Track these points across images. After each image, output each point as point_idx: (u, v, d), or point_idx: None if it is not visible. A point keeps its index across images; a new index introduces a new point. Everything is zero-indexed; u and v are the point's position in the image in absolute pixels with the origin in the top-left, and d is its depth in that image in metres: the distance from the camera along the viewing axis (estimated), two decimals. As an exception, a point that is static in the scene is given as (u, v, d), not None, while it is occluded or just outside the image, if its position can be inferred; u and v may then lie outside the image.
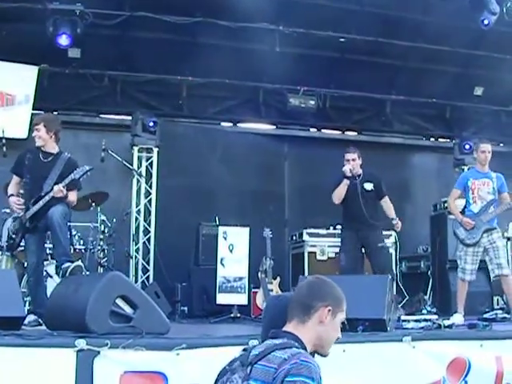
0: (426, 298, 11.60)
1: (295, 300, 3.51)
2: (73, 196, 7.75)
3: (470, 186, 9.01)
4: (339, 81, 13.68)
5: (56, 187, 7.46)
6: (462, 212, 9.16)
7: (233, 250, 10.69)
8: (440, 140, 15.73)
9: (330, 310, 3.43)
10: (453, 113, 15.00)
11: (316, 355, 3.48)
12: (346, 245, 9.68)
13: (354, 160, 9.62)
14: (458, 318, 8.49)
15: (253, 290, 10.90)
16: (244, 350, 3.40)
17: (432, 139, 15.69)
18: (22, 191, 8.00)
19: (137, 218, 12.63)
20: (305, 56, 12.76)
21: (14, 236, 7.76)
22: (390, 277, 7.30)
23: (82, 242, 10.34)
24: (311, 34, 12.00)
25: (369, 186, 9.64)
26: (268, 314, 3.79)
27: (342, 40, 12.41)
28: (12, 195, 7.85)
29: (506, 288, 8.86)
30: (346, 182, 9.48)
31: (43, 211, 7.51)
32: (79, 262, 7.71)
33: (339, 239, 10.67)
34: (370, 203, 9.50)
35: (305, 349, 3.32)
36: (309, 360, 3.11)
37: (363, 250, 9.61)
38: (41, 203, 7.49)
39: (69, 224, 8.14)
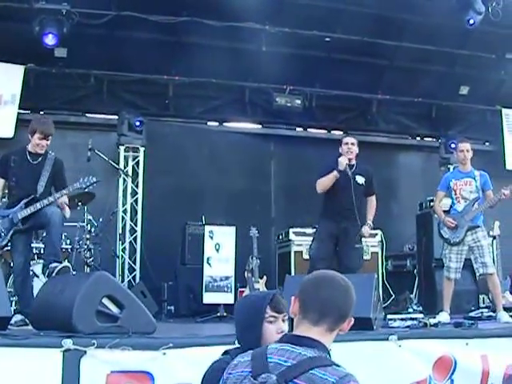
0: (412, 296, 11.66)
1: (330, 303, 3.02)
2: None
3: (452, 186, 9.08)
4: (325, 80, 13.70)
5: (61, 195, 7.53)
6: (448, 212, 9.19)
7: (219, 249, 10.71)
8: (426, 139, 15.79)
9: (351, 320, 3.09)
10: (438, 112, 15.05)
11: None
12: (322, 234, 9.08)
13: (353, 144, 9.15)
14: (443, 317, 8.53)
15: (239, 290, 10.90)
16: (225, 352, 3.14)
17: (418, 138, 15.74)
18: (6, 190, 7.98)
19: (123, 218, 12.62)
20: (291, 55, 12.78)
21: (2, 235, 7.72)
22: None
23: (68, 241, 10.30)
24: (297, 34, 12.04)
25: (360, 180, 9.15)
26: (239, 315, 3.68)
27: (328, 39, 12.45)
28: None
29: (492, 286, 8.90)
30: (335, 174, 8.89)
31: (34, 213, 7.51)
32: (67, 263, 7.71)
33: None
34: (358, 197, 8.95)
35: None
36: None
37: (337, 245, 9.08)
38: (38, 206, 7.47)
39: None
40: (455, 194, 9.06)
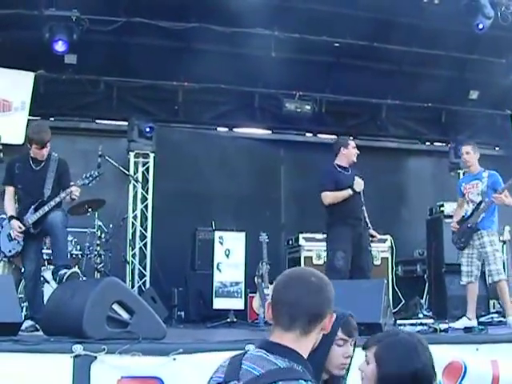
0: (422, 301, 11.63)
1: (297, 306, 2.84)
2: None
3: (462, 190, 9.12)
4: (335, 85, 13.69)
5: (74, 188, 7.51)
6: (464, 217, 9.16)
7: (229, 254, 10.73)
8: (435, 144, 15.76)
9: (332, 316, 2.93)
10: (448, 117, 15.02)
11: None
12: (343, 243, 8.84)
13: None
14: (461, 322, 8.52)
15: (249, 295, 10.93)
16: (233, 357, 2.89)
17: (427, 143, 15.72)
18: (16, 197, 8.00)
19: (133, 224, 12.63)
20: (300, 61, 12.80)
21: (18, 242, 7.73)
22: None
23: (78, 247, 10.35)
24: (307, 39, 12.03)
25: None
26: None
27: (337, 45, 12.45)
28: (13, 217, 7.73)
29: (500, 293, 8.91)
30: (349, 192, 8.89)
31: (43, 217, 7.54)
32: (76, 269, 7.74)
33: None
34: (362, 202, 9.01)
35: (308, 369, 2.77)
36: None
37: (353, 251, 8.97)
38: (46, 208, 7.50)
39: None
40: (466, 198, 9.08)
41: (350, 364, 3.61)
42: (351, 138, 13.01)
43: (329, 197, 8.95)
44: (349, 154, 9.17)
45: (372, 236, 9.30)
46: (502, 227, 11.36)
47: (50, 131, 7.82)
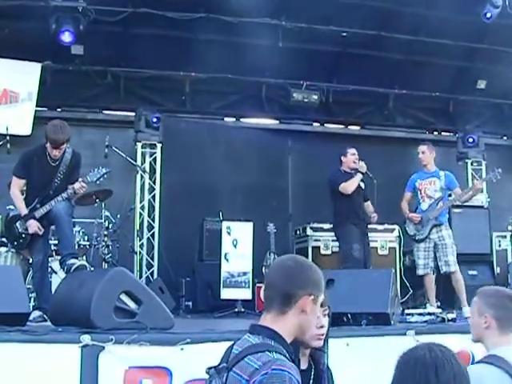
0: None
1: (272, 287, 3.08)
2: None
3: (417, 186, 9.59)
4: (342, 75, 13.67)
5: (77, 185, 7.49)
6: (415, 211, 9.58)
7: (237, 245, 10.73)
8: (443, 134, 15.69)
9: (313, 299, 3.04)
10: (456, 106, 14.99)
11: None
12: (357, 236, 9.70)
13: (354, 154, 10.01)
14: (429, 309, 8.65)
15: (257, 285, 10.94)
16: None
17: (435, 133, 15.64)
18: (24, 188, 7.99)
19: (141, 214, 12.65)
20: (307, 51, 12.79)
21: (23, 235, 7.74)
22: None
23: (86, 238, 10.35)
24: (314, 29, 12.02)
25: (362, 185, 9.95)
26: None
27: (344, 34, 12.42)
28: (27, 216, 7.62)
29: (455, 283, 9.22)
30: (360, 176, 9.79)
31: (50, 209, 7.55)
32: (84, 262, 7.77)
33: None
34: (361, 200, 9.93)
35: (284, 343, 2.95)
36: (281, 367, 2.74)
37: None
38: (53, 203, 7.49)
39: (72, 220, 8.20)
40: (420, 194, 9.54)
41: (327, 335, 3.69)
42: (364, 127, 13.17)
43: (347, 185, 9.72)
44: (348, 161, 9.97)
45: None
46: (510, 218, 11.37)
47: (68, 131, 7.60)
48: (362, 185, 9.90)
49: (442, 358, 2.59)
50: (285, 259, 3.19)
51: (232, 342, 3.05)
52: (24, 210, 7.68)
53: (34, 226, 7.57)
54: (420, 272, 9.29)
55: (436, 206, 9.31)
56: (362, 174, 9.78)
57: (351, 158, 9.91)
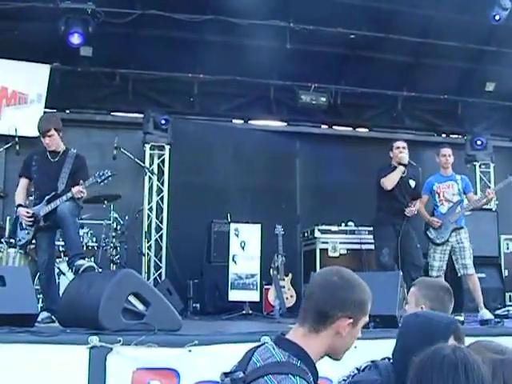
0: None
1: (309, 301, 2.85)
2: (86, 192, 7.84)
3: (435, 189, 9.45)
4: (350, 77, 13.66)
5: (76, 189, 7.52)
6: (433, 214, 9.45)
7: (245, 246, 10.73)
8: (451, 136, 15.66)
9: (351, 323, 2.82)
10: (464, 109, 14.93)
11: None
12: (388, 240, 9.10)
13: (404, 148, 9.36)
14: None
15: (265, 287, 10.95)
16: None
17: (443, 135, 15.61)
18: (32, 189, 8.09)
19: (149, 216, 12.66)
20: (316, 53, 12.79)
21: (27, 232, 7.82)
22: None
23: (94, 239, 10.37)
24: (322, 31, 12.02)
25: (412, 184, 9.34)
26: (410, 335, 3.19)
27: (353, 36, 12.41)
28: (20, 205, 7.87)
29: (472, 286, 9.12)
30: (402, 168, 9.17)
31: (54, 209, 7.58)
32: (92, 263, 7.76)
33: (351, 236, 10.83)
34: (409, 200, 9.24)
35: (311, 365, 2.75)
36: None
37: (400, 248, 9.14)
38: (58, 202, 7.54)
39: (79, 221, 8.25)
40: (439, 197, 9.42)
41: None
42: (372, 130, 13.07)
43: (385, 179, 9.16)
44: (394, 155, 9.36)
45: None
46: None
47: (54, 121, 7.96)
48: (413, 183, 9.32)
49: (469, 358, 2.50)
50: (330, 272, 2.92)
51: (252, 347, 2.87)
52: (18, 201, 7.90)
53: (22, 213, 7.74)
54: (434, 274, 9.13)
55: (455, 210, 9.25)
56: (404, 165, 9.18)
57: (395, 151, 9.33)
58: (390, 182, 9.12)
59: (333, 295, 2.81)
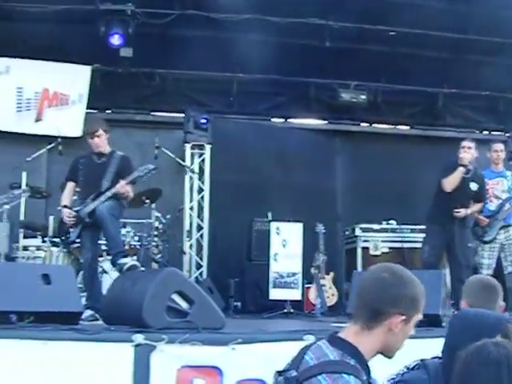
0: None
1: (361, 298, 2.85)
2: (131, 191, 7.92)
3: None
4: (390, 75, 13.59)
5: (119, 184, 7.60)
6: (481, 211, 9.28)
7: (286, 245, 10.72)
8: (493, 133, 15.50)
9: (403, 320, 2.80)
10: (506, 105, 14.78)
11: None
12: (433, 238, 9.04)
13: (469, 148, 9.06)
14: None
15: (306, 286, 10.92)
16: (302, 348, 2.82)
17: (485, 132, 15.47)
18: (77, 189, 8.19)
19: (190, 215, 12.70)
20: (355, 50, 12.71)
21: (71, 231, 7.91)
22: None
23: (136, 238, 10.43)
24: (361, 28, 11.99)
25: (474, 187, 9.10)
26: (459, 334, 3.13)
27: (392, 33, 12.34)
28: (65, 206, 8.03)
29: None
30: (462, 169, 8.87)
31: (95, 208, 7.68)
32: (135, 262, 7.83)
33: (392, 234, 10.77)
34: (469, 202, 9.04)
35: (363, 363, 2.73)
36: None
37: (448, 248, 9.07)
38: (102, 199, 7.63)
39: (121, 219, 8.34)
40: (488, 194, 9.27)
41: None
42: (413, 127, 12.99)
43: (446, 182, 8.95)
44: (459, 154, 9.07)
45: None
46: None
47: (100, 123, 8.18)
48: (474, 186, 9.08)
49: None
50: (380, 269, 2.91)
51: (304, 345, 2.84)
52: (63, 202, 8.08)
53: (64, 213, 7.94)
54: (484, 272, 8.94)
55: (504, 207, 9.14)
56: (464, 166, 8.88)
57: (461, 150, 9.09)
58: (449, 184, 8.91)
59: (384, 292, 2.79)
